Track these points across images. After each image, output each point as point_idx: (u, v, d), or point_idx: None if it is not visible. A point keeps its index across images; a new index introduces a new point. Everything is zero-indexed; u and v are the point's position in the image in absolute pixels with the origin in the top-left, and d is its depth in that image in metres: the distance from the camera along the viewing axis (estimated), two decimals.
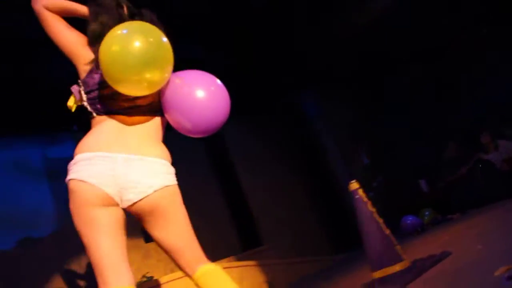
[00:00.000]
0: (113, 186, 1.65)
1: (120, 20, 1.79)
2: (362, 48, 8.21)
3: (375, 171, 9.28)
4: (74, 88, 1.83)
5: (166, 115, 1.80)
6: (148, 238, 6.65)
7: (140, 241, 6.53)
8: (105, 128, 1.74)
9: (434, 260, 3.33)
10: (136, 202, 1.69)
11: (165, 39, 1.64)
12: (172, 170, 1.80)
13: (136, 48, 1.52)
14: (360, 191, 3.49)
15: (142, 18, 1.85)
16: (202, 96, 1.71)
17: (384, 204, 7.06)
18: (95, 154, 1.66)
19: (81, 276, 5.99)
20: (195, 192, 6.97)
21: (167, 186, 1.73)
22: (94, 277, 5.09)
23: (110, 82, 1.62)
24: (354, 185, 3.52)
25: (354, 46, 8.04)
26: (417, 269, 3.22)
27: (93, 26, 1.81)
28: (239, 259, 6.55)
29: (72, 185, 1.66)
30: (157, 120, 1.82)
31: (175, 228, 1.77)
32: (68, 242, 6.12)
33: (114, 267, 1.62)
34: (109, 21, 1.77)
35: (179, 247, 1.78)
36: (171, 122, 1.79)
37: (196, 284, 1.79)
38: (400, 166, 9.26)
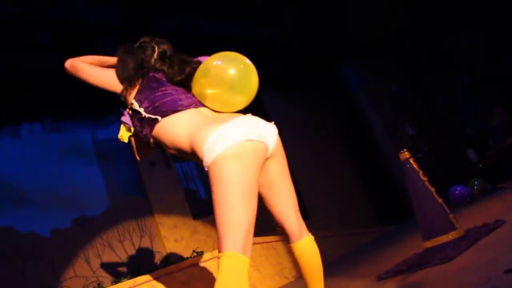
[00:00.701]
0: (262, 136, 1.75)
1: (143, 62, 2.11)
2: (403, 18, 7.99)
3: (420, 142, 9.11)
4: (125, 118, 2.13)
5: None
6: (196, 215, 6.80)
7: (189, 219, 6.68)
8: (192, 117, 1.86)
9: (489, 228, 3.27)
10: (275, 142, 1.86)
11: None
12: None
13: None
14: (412, 160, 3.44)
15: (171, 59, 2.13)
16: None
17: (431, 174, 6.92)
18: (227, 125, 1.70)
19: (133, 252, 6.20)
20: None
21: None
22: (143, 251, 5.25)
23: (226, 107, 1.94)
24: (405, 154, 3.47)
25: (396, 15, 7.83)
26: (472, 237, 3.18)
27: (118, 71, 2.10)
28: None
29: (234, 150, 1.64)
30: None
31: (289, 174, 1.98)
32: (119, 219, 6.39)
33: (249, 238, 1.62)
34: (130, 65, 2.09)
35: (287, 193, 1.94)
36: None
37: (294, 248, 1.94)
38: (446, 136, 9.05)
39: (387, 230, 7.65)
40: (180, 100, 1.91)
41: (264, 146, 1.75)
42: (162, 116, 1.87)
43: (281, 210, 1.92)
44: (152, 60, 2.13)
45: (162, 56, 2.14)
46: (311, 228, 6.82)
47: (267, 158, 1.85)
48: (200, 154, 1.70)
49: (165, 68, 2.09)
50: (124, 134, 2.04)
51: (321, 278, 1.95)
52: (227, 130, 1.67)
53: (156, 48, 2.15)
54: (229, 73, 1.86)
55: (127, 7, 5.55)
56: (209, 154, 1.65)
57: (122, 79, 2.06)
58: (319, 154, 8.79)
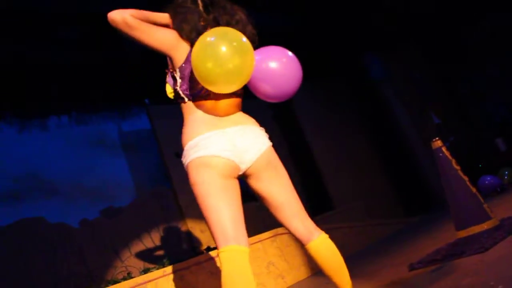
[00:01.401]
0: (236, 156, 1.86)
1: (200, 16, 1.96)
2: (427, 5, 7.83)
3: (447, 131, 8.96)
4: (169, 79, 2.04)
5: (249, 86, 1.95)
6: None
7: None
8: (202, 111, 1.92)
9: None
10: (255, 161, 1.92)
11: (245, 39, 1.76)
12: (265, 133, 2.06)
13: (227, 64, 1.67)
14: (444, 149, 3.38)
15: (222, 7, 2.01)
16: (278, 66, 1.89)
17: (458, 164, 6.83)
18: (211, 133, 1.85)
19: (160, 242, 6.26)
20: None
21: (271, 144, 2.02)
22: (170, 242, 5.29)
23: (206, 86, 1.79)
24: (437, 143, 3.40)
25: (420, 3, 7.68)
26: (507, 227, 3.11)
27: (185, 27, 1.92)
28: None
29: (201, 161, 1.81)
30: (237, 100, 2.01)
31: (285, 182, 2.00)
32: (145, 211, 6.46)
33: (236, 227, 1.76)
34: (194, 18, 1.94)
35: (288, 201, 1.97)
36: (254, 91, 1.97)
37: (309, 250, 1.97)
38: (473, 125, 8.89)
39: (414, 220, 7.57)
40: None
41: (233, 164, 1.85)
42: (188, 100, 1.95)
43: (282, 217, 1.98)
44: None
45: (206, 7, 2.02)
46: (336, 219, 6.80)
47: (249, 175, 1.95)
48: (183, 145, 1.90)
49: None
50: (169, 91, 2.04)
51: (344, 273, 1.97)
52: (207, 139, 1.83)
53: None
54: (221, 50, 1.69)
55: None
56: (185, 157, 1.87)
57: (185, 35, 1.91)
58: (344, 145, 8.73)
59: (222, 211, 1.76)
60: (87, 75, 6.22)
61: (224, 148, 1.83)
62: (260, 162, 1.93)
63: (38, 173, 6.37)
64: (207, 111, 1.91)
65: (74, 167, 6.63)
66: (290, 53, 1.99)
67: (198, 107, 1.92)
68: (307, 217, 2.00)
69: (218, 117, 1.91)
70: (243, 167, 1.90)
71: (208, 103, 1.91)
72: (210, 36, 1.72)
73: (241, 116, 1.99)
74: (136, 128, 7.26)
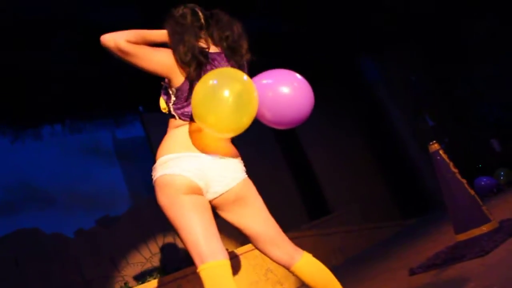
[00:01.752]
0: (202, 180, 1.81)
1: (201, 29, 1.94)
2: (421, 7, 7.86)
3: (442, 133, 8.98)
4: (163, 93, 1.97)
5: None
6: (216, 215, 6.77)
7: None
8: (184, 131, 1.87)
9: None
10: (221, 194, 1.88)
11: (246, 77, 1.70)
12: (243, 166, 1.99)
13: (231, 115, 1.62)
14: (441, 152, 3.37)
15: (217, 21, 1.98)
16: (288, 94, 1.80)
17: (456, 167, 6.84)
18: (182, 154, 1.81)
19: (157, 251, 6.20)
20: (261, 166, 7.02)
21: (245, 178, 1.94)
22: (167, 250, 5.24)
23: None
24: (434, 146, 3.39)
25: (414, 4, 7.70)
26: (507, 229, 3.10)
27: (181, 49, 1.84)
28: (308, 229, 6.57)
29: (166, 179, 1.78)
30: None
31: (257, 213, 1.95)
32: (141, 219, 6.40)
33: (210, 243, 1.73)
34: (191, 39, 1.86)
35: (262, 231, 1.93)
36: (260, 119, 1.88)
37: (294, 273, 1.93)
38: (468, 126, 8.90)
39: (410, 223, 7.56)
40: None
41: (196, 186, 1.79)
42: (178, 118, 1.91)
43: (260, 247, 1.95)
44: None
45: (207, 20, 1.99)
46: (333, 223, 6.76)
47: (217, 206, 1.91)
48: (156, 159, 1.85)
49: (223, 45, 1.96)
50: (163, 106, 1.97)
51: (336, 286, 1.95)
52: (177, 158, 1.79)
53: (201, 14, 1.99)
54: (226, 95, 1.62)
55: (142, 4, 5.53)
56: (154, 173, 1.83)
57: (180, 58, 1.84)
58: (339, 149, 8.72)
59: (193, 229, 1.73)
60: (80, 83, 6.18)
61: (188, 169, 1.78)
62: (227, 196, 1.88)
63: (32, 183, 6.33)
64: (191, 132, 1.86)
65: (68, 176, 6.58)
66: (299, 77, 1.88)
67: (184, 126, 1.88)
68: (284, 241, 1.94)
69: (199, 141, 1.85)
70: (208, 196, 1.86)
71: (195, 125, 1.85)
72: (212, 87, 1.63)
73: (224, 145, 1.90)
74: (130, 136, 7.22)
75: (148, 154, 6.77)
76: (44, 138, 6.47)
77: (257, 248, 1.97)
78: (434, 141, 3.40)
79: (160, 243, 6.29)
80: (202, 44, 1.92)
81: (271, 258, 1.96)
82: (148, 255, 6.13)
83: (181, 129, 1.87)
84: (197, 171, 1.79)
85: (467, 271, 2.56)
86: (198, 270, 1.70)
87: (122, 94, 6.59)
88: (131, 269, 5.88)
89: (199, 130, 1.84)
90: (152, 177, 1.84)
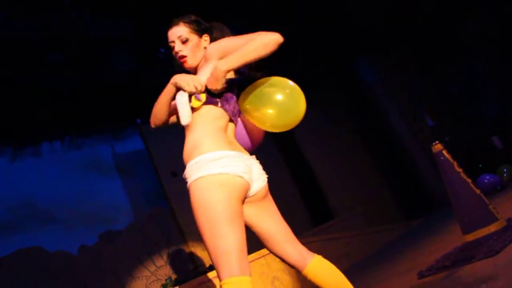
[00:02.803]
0: (251, 181, 1.82)
1: None
2: (416, 6, 7.85)
3: (441, 132, 8.96)
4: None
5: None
6: None
7: None
8: (219, 128, 1.86)
9: None
10: (259, 190, 1.89)
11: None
12: None
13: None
14: (445, 152, 3.34)
15: (213, 32, 2.07)
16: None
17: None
18: (233, 153, 1.77)
19: (162, 263, 6.15)
20: None
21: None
22: (172, 263, 5.19)
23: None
24: (438, 146, 3.36)
25: (408, 4, 7.70)
26: None
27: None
28: (313, 235, 6.52)
29: (224, 178, 1.71)
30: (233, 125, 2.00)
31: (275, 211, 1.98)
32: (144, 232, 6.36)
33: (243, 258, 1.68)
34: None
35: (279, 228, 1.93)
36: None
37: (307, 275, 1.91)
38: (468, 124, 8.88)
39: (415, 224, 7.51)
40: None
41: (248, 188, 1.81)
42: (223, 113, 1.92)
43: (274, 245, 1.93)
44: None
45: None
46: (338, 228, 6.72)
47: (247, 202, 1.89)
48: (187, 160, 1.78)
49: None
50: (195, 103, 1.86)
51: (348, 286, 1.92)
52: (232, 157, 1.74)
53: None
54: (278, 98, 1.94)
55: (136, 19, 5.53)
56: (198, 170, 1.71)
57: None
58: (339, 153, 8.69)
59: (231, 239, 1.66)
60: (77, 99, 6.16)
61: (244, 171, 1.77)
62: (261, 192, 1.90)
63: (33, 201, 6.27)
64: (223, 131, 1.87)
65: (69, 193, 6.54)
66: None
67: (217, 121, 1.85)
68: (298, 243, 1.95)
69: (229, 139, 1.87)
70: (249, 194, 1.86)
71: (221, 126, 1.87)
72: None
73: (242, 147, 1.97)
74: (130, 149, 7.19)
75: (148, 167, 6.73)
76: (43, 156, 6.44)
77: (270, 248, 1.94)
78: (437, 142, 3.37)
79: (164, 255, 6.24)
80: None
81: (284, 258, 1.93)
82: (153, 268, 6.08)
83: (215, 125, 1.84)
84: (250, 173, 1.81)
85: (478, 272, 2.52)
86: (222, 282, 1.63)
87: (119, 107, 6.57)
88: (136, 283, 5.83)
89: (226, 129, 1.88)
90: (192, 175, 1.72)
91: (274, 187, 7.14)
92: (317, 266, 1.91)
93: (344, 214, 7.64)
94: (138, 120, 6.85)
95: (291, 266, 1.94)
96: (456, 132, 8.92)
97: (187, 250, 6.30)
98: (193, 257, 6.22)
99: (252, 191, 1.85)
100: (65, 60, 5.70)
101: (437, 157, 3.37)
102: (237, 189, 1.73)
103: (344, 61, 9.03)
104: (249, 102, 1.93)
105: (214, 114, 1.86)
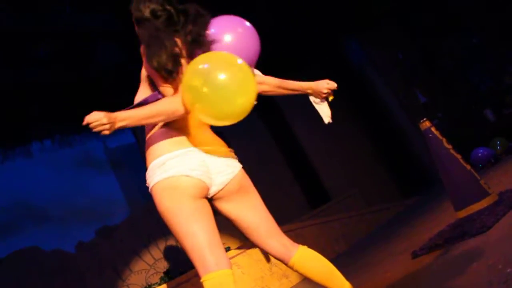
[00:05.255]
0: (207, 177, 1.75)
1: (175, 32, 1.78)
2: None
3: (434, 108, 8.93)
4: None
5: None
6: (217, 212, 6.72)
7: None
8: (172, 127, 1.78)
9: None
10: (227, 184, 1.83)
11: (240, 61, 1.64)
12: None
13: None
14: (433, 129, 3.31)
15: (187, 15, 1.81)
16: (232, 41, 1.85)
17: (449, 140, 6.78)
18: (182, 151, 1.72)
19: (160, 256, 6.15)
20: (256, 160, 6.96)
21: (242, 168, 1.92)
22: (170, 255, 5.19)
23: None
24: (425, 124, 3.33)
25: None
26: (507, 201, 3.05)
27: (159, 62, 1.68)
28: (310, 218, 6.53)
29: (169, 182, 1.69)
30: None
31: (257, 203, 1.92)
32: (142, 225, 6.34)
33: (215, 252, 1.67)
34: (169, 45, 1.70)
35: (261, 221, 1.89)
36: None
37: (293, 267, 1.88)
38: (460, 99, 8.85)
39: (411, 202, 7.52)
40: None
41: (203, 185, 1.74)
42: None
43: (257, 238, 1.90)
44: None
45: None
46: (334, 210, 6.70)
47: (219, 198, 1.85)
48: (147, 163, 1.76)
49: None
50: None
51: (337, 275, 1.90)
52: (176, 157, 1.70)
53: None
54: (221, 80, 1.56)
55: (120, 11, 5.44)
56: (149, 179, 1.73)
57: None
58: (332, 135, 8.66)
59: (197, 236, 1.67)
60: (65, 94, 6.10)
61: (193, 167, 1.71)
62: (232, 185, 1.84)
63: (27, 202, 6.31)
64: (179, 128, 1.77)
65: (63, 191, 6.56)
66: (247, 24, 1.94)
67: (167, 123, 1.77)
68: (282, 235, 1.91)
69: (189, 135, 1.78)
70: (213, 189, 1.80)
71: (178, 120, 1.76)
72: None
73: (212, 136, 1.88)
74: (122, 144, 7.18)
75: (141, 160, 6.69)
76: (34, 155, 6.40)
77: (253, 241, 1.92)
78: (425, 119, 3.34)
79: (162, 248, 6.23)
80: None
81: (268, 250, 1.91)
82: (151, 261, 6.07)
83: (168, 126, 1.77)
84: (202, 168, 1.73)
85: (470, 250, 2.51)
86: (202, 280, 1.65)
87: (108, 102, 6.49)
88: (135, 277, 5.82)
89: (186, 125, 1.78)
90: (148, 183, 1.74)
91: (269, 173, 7.12)
92: (302, 256, 1.88)
93: (340, 195, 7.64)
94: None
95: (276, 258, 1.92)
96: (449, 107, 8.89)
97: None
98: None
99: (216, 185, 1.80)
100: (50, 55, 5.63)
101: (425, 134, 3.35)
102: (187, 188, 1.69)
103: (332, 40, 8.94)
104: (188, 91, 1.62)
105: None
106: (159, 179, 1.69)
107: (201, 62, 1.60)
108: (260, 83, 2.06)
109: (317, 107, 2.25)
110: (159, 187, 1.69)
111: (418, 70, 9.26)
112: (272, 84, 2.14)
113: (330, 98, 2.25)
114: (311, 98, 2.25)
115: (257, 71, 2.13)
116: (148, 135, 1.82)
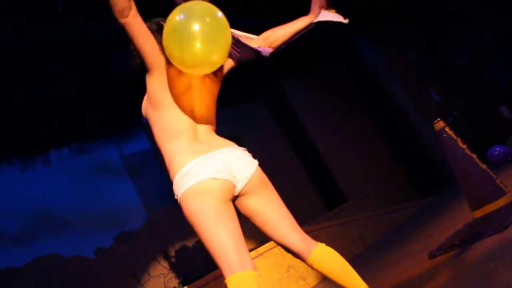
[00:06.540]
0: (231, 175, 1.82)
1: None
2: None
3: (449, 106, 8.86)
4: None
5: None
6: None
7: None
8: (183, 141, 1.87)
9: None
10: (250, 178, 1.88)
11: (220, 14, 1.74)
12: None
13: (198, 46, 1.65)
14: (448, 129, 3.30)
15: None
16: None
17: (465, 138, 6.73)
18: (201, 158, 1.80)
19: (176, 261, 6.20)
20: (269, 162, 6.97)
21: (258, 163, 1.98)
22: (187, 261, 5.22)
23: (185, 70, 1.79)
24: (439, 124, 3.32)
25: None
26: None
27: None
28: (326, 220, 6.53)
29: (197, 188, 1.76)
30: (213, 127, 2.01)
31: (276, 198, 1.96)
32: (159, 230, 6.40)
33: (240, 253, 1.72)
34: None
35: (282, 216, 1.93)
36: None
37: (312, 264, 1.91)
38: (475, 96, 8.77)
39: (427, 202, 7.47)
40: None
41: (230, 184, 1.82)
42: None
43: (279, 233, 1.93)
44: None
45: None
46: (351, 211, 6.69)
47: (243, 194, 1.90)
48: (172, 177, 1.84)
49: None
50: None
51: (353, 275, 1.92)
52: (198, 164, 1.77)
53: None
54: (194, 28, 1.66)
55: None
56: (177, 190, 1.80)
57: None
58: (346, 135, 8.66)
59: (223, 238, 1.72)
60: (81, 104, 6.19)
61: (218, 170, 1.78)
62: (254, 179, 1.89)
63: (46, 209, 6.36)
64: (188, 141, 1.87)
65: (81, 198, 6.61)
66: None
67: (178, 137, 1.87)
68: (302, 231, 1.95)
69: (200, 144, 1.87)
70: (239, 186, 1.86)
71: (186, 132, 1.88)
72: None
73: (223, 140, 1.95)
74: (138, 150, 7.23)
75: (157, 166, 6.76)
76: (52, 163, 6.49)
77: (274, 237, 1.94)
78: (439, 119, 3.33)
79: (180, 252, 6.29)
80: None
81: (289, 247, 1.93)
82: (170, 266, 6.13)
83: (179, 140, 1.87)
84: (226, 168, 1.79)
85: (488, 250, 2.50)
86: (226, 281, 1.70)
87: (123, 108, 6.59)
88: (154, 281, 5.88)
89: (194, 135, 1.88)
90: (176, 194, 1.81)
91: (284, 175, 7.12)
92: (322, 254, 1.91)
93: (355, 195, 7.63)
94: (143, 120, 6.87)
95: (295, 255, 1.94)
96: (464, 105, 8.82)
97: (201, 246, 6.33)
98: (206, 252, 6.25)
99: (241, 182, 1.86)
100: (64, 67, 5.73)
101: (440, 134, 3.34)
102: (214, 191, 1.76)
103: (344, 40, 8.91)
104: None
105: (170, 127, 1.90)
106: (187, 187, 1.76)
107: (187, 6, 1.72)
108: (264, 39, 2.12)
109: (327, 20, 2.21)
110: (188, 194, 1.76)
111: (431, 68, 9.20)
112: (276, 34, 2.17)
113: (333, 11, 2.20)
114: (318, 19, 2.21)
115: (253, 36, 2.14)
116: (164, 153, 1.90)
